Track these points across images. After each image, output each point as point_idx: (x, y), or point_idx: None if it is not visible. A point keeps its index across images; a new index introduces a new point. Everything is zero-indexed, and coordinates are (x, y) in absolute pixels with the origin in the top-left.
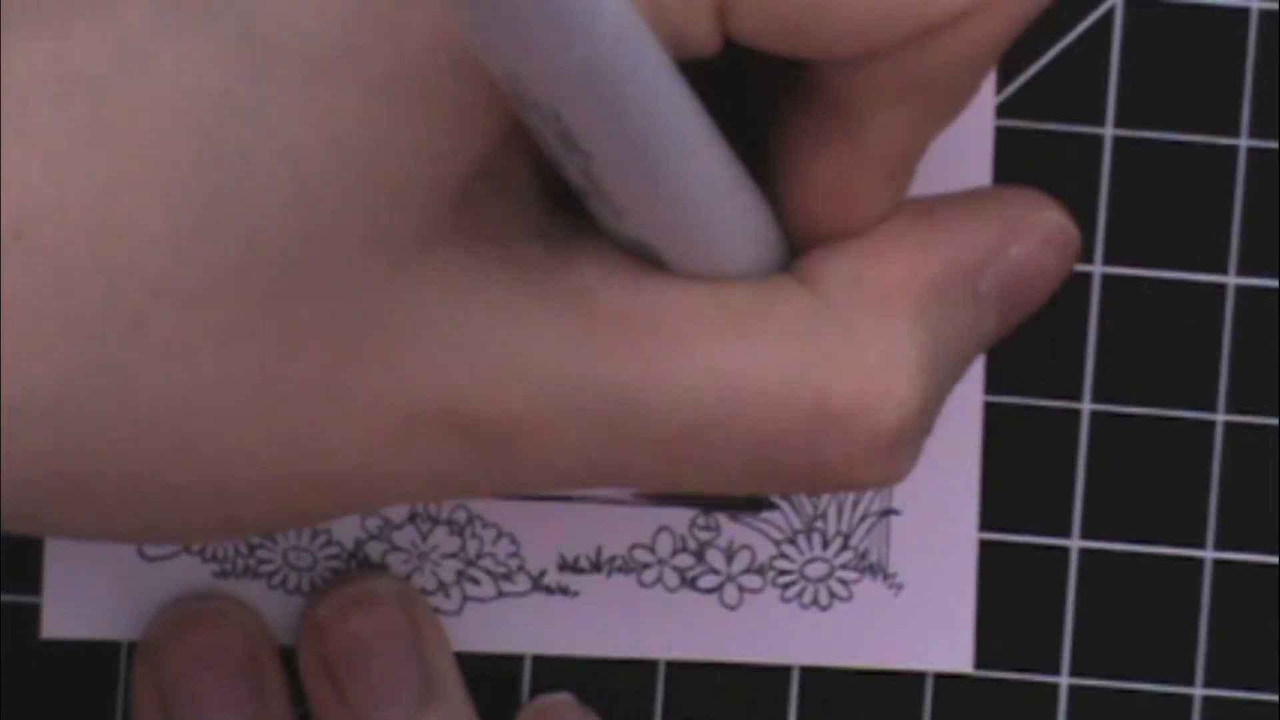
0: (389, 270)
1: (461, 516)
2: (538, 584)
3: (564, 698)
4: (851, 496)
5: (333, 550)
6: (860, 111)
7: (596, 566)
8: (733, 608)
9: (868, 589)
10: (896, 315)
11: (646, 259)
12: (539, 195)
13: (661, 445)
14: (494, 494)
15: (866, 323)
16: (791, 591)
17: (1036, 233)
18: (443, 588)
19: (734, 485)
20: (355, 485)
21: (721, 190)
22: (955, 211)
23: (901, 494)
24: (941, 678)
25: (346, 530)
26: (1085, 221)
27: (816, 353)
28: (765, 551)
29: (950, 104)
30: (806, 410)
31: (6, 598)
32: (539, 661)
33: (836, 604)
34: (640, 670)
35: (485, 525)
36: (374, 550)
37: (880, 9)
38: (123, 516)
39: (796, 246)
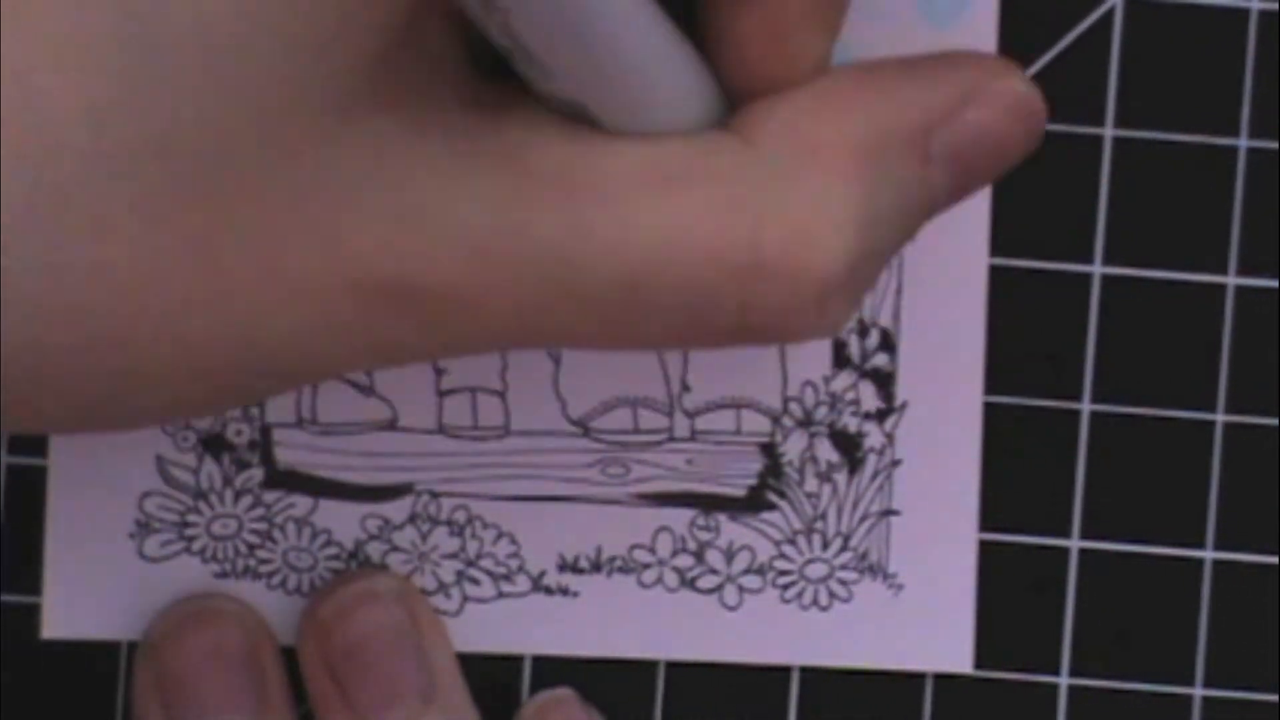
0: (315, 138)
1: (461, 517)
2: (538, 584)
3: (566, 693)
4: (851, 497)
5: (333, 551)
6: None
7: (596, 567)
8: (733, 608)
9: (868, 589)
10: (831, 168)
11: (580, 120)
12: (467, 63)
13: (596, 302)
14: (432, 357)
15: (800, 174)
16: (791, 592)
17: (999, 100)
18: (443, 588)
19: (669, 339)
20: (293, 356)
21: (648, 45)
22: (904, 72)
23: (902, 494)
24: (941, 678)
25: (346, 531)
26: (1085, 221)
27: (749, 205)
28: (765, 552)
29: None
30: (738, 261)
31: (6, 598)
32: (539, 662)
33: (836, 604)
34: (640, 671)
35: (485, 526)
36: (374, 550)
37: None
38: (63, 402)
39: (735, 102)
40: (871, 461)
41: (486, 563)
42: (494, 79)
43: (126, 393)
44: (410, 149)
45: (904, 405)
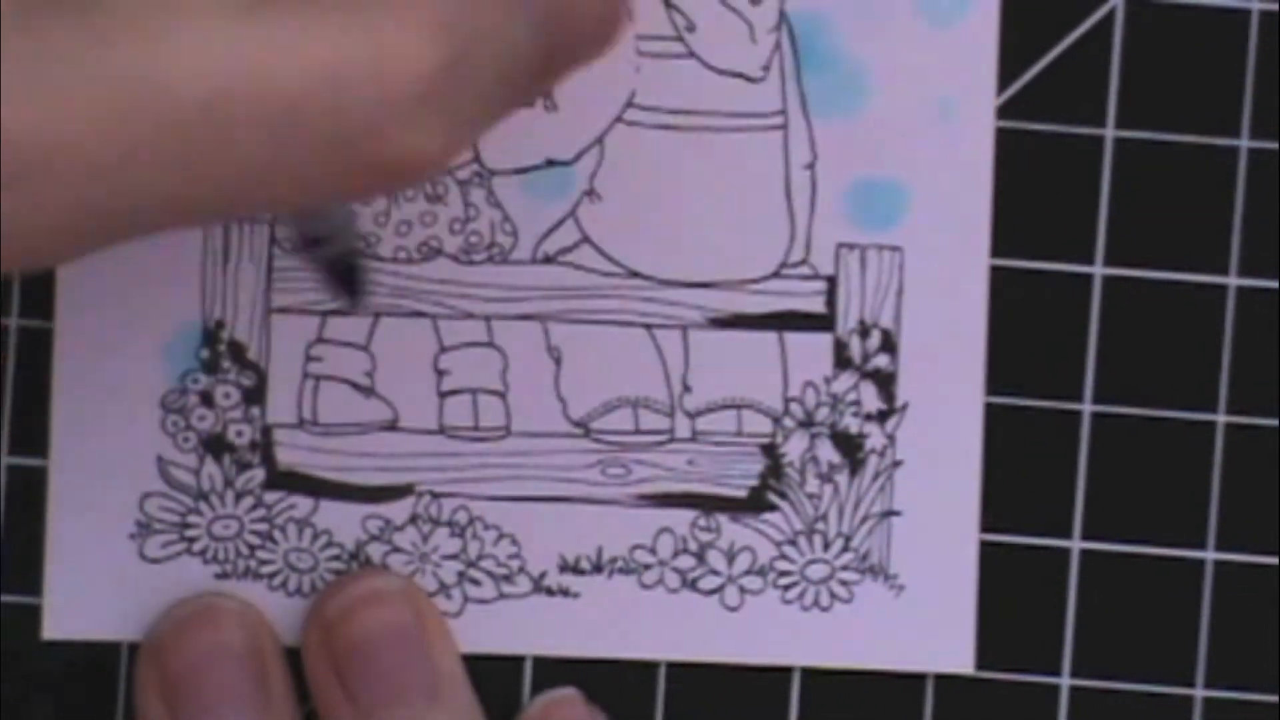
0: None
1: (462, 518)
2: (539, 585)
3: (570, 692)
4: (852, 498)
5: (334, 551)
6: None
7: (597, 568)
8: (734, 609)
9: (869, 590)
10: None
11: None
12: None
13: (187, 126)
14: (60, 232)
15: None
16: (793, 593)
17: None
18: (444, 589)
19: (271, 172)
20: None
21: None
22: None
23: (903, 495)
24: (942, 678)
25: (347, 532)
26: (1085, 221)
27: (328, 19)
28: (766, 553)
29: None
30: (318, 70)
31: (7, 598)
32: (540, 662)
33: (837, 605)
34: (641, 671)
35: (486, 526)
36: (375, 551)
37: None
38: None
39: None
40: (872, 462)
41: (487, 564)
42: None
43: None
44: None
45: (905, 406)
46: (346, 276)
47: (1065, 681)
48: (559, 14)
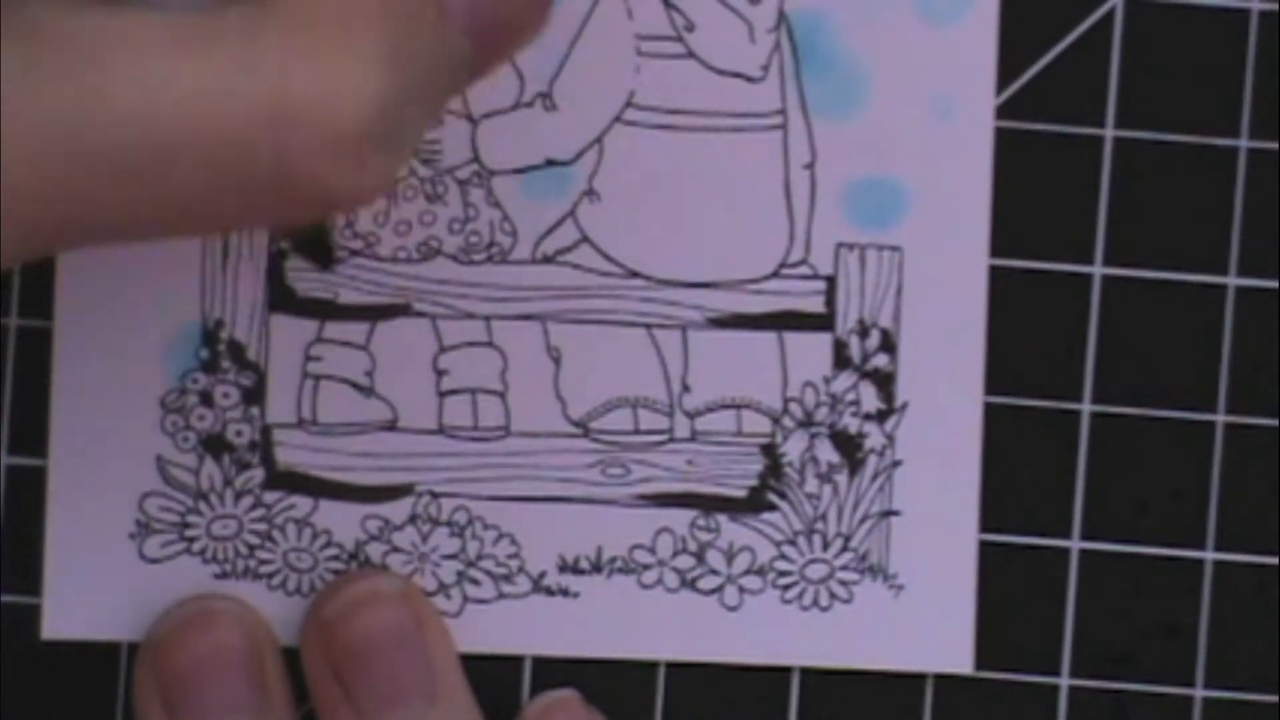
0: None
1: (462, 518)
2: (538, 585)
3: (569, 694)
4: (852, 498)
5: (333, 551)
6: None
7: (597, 568)
8: (733, 609)
9: (868, 590)
10: (352, 18)
11: None
12: None
13: (121, 166)
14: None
15: (321, 26)
16: (792, 593)
17: None
18: (443, 589)
19: (208, 209)
20: None
21: None
22: None
23: (902, 495)
24: (941, 678)
25: (347, 532)
26: (1085, 221)
27: (271, 57)
28: (766, 553)
29: None
30: (260, 112)
31: (7, 598)
32: (539, 663)
33: (837, 605)
34: (640, 671)
35: (486, 526)
36: (374, 551)
37: None
38: None
39: None
40: (872, 462)
41: (487, 563)
42: None
43: None
44: None
45: (904, 406)
46: (315, 238)
47: (1064, 681)
48: (488, 12)
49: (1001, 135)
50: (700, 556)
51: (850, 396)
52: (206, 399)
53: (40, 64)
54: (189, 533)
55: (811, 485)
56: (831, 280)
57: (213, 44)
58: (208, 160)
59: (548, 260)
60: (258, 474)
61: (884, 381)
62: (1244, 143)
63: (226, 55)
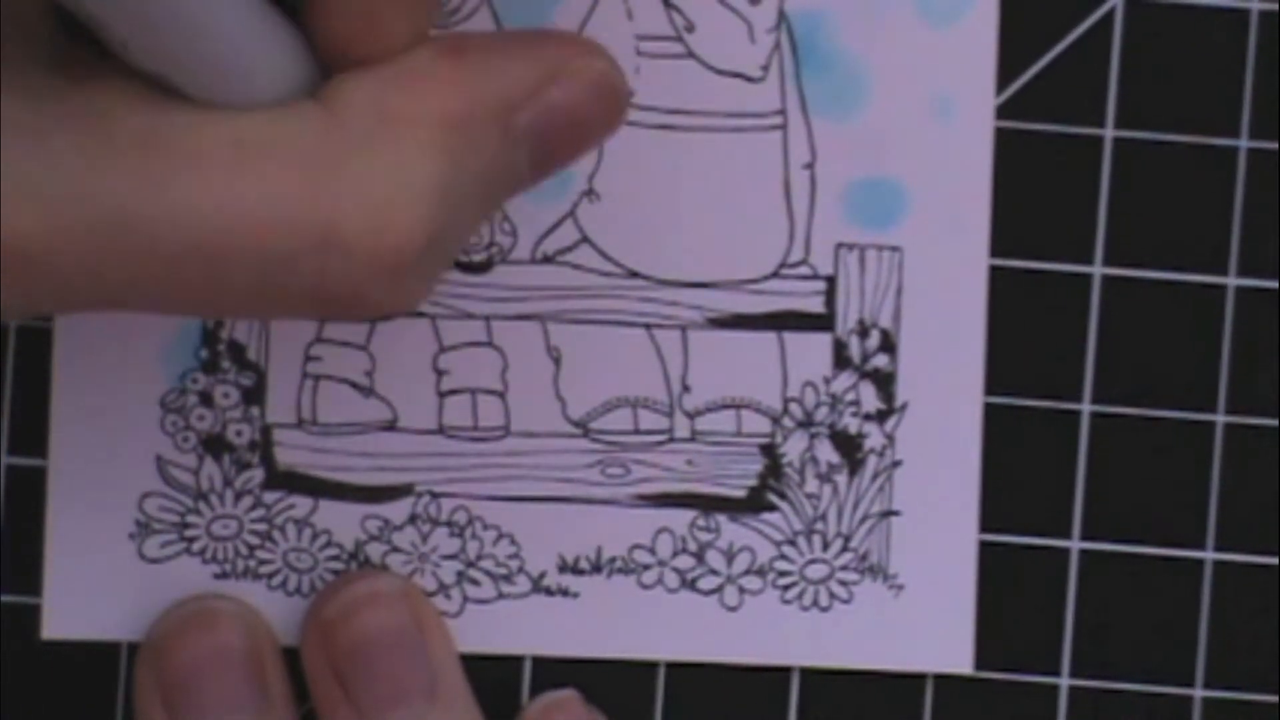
0: None
1: (462, 518)
2: (538, 585)
3: (569, 694)
4: (852, 498)
5: (333, 552)
6: None
7: (597, 568)
8: (733, 609)
9: (868, 590)
10: (412, 141)
11: (170, 89)
12: (54, 29)
13: (169, 264)
14: (18, 316)
15: (381, 146)
16: (792, 593)
17: (580, 78)
18: (443, 589)
19: (248, 307)
20: None
21: (221, 22)
22: (491, 48)
23: (902, 495)
24: (941, 678)
25: (347, 532)
26: (1085, 221)
27: (327, 176)
28: (765, 553)
29: None
30: (313, 234)
31: (7, 598)
32: (539, 663)
33: (837, 605)
34: (640, 671)
35: (485, 526)
36: (374, 551)
37: None
38: None
39: (330, 73)
40: (872, 462)
41: (487, 564)
42: (87, 43)
43: None
44: None
45: (904, 406)
46: None
47: (1064, 682)
48: (559, 126)
49: (1001, 135)
50: (700, 556)
51: (850, 396)
52: (206, 399)
53: (102, 157)
54: (189, 533)
55: (811, 485)
56: (831, 280)
57: (271, 155)
58: (252, 270)
59: (548, 260)
60: (258, 474)
61: (884, 382)
62: (1244, 143)
63: (283, 168)
